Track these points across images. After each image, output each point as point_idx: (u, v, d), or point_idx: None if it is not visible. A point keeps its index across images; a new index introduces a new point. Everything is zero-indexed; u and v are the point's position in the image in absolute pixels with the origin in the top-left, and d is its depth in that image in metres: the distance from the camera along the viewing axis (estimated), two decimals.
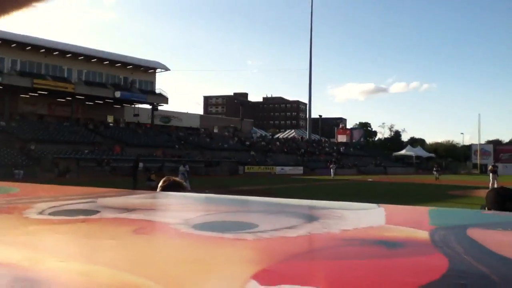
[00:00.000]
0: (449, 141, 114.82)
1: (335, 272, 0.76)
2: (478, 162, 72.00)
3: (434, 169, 44.53)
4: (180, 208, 1.57)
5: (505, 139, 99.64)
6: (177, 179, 3.42)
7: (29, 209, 1.34)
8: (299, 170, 52.89)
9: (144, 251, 0.91)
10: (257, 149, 58.43)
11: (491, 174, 26.04)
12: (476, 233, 1.06)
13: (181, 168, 22.48)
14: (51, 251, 0.90)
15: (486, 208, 2.60)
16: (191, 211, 1.46)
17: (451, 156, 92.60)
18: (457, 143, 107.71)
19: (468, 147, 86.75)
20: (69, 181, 28.98)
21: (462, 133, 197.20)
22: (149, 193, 2.06)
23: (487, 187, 21.65)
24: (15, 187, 2.06)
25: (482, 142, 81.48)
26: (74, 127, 46.84)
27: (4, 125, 40.78)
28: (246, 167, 48.36)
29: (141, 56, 63.83)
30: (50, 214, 1.28)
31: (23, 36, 45.87)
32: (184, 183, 3.47)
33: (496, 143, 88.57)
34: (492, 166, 27.18)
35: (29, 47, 45.75)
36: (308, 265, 0.82)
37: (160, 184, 3.21)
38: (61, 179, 32.36)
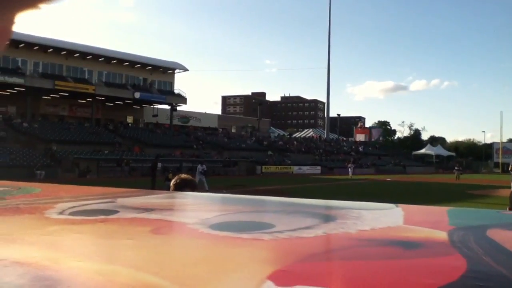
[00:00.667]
0: (470, 139, 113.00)
1: (351, 273, 0.76)
2: (500, 160, 70.71)
3: (456, 168, 43.67)
4: (197, 208, 1.58)
5: None
6: (187, 176, 3.51)
7: (50, 209, 1.36)
8: (317, 169, 52.64)
9: (161, 251, 0.92)
10: (275, 148, 58.39)
11: (511, 173, 25.47)
12: (496, 234, 1.05)
13: (199, 167, 22.62)
14: (70, 250, 0.92)
15: (508, 208, 2.56)
16: (208, 211, 1.47)
17: (472, 154, 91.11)
18: (478, 142, 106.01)
19: (490, 146, 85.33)
20: (89, 181, 29.41)
21: (483, 131, 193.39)
22: (167, 193, 2.08)
23: (509, 187, 21.23)
24: (37, 188, 2.10)
25: (504, 140, 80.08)
26: (94, 128, 47.49)
27: (26, 126, 41.57)
28: (263, 167, 48.34)
29: (159, 56, 64.43)
30: (70, 214, 1.30)
31: (45, 38, 46.66)
32: (195, 180, 3.54)
33: None
34: None
35: (51, 50, 46.54)
36: (324, 266, 0.81)
37: (172, 183, 3.31)
38: (81, 179, 32.84)
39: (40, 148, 38.11)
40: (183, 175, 3.51)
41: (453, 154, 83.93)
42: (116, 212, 1.35)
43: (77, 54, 48.59)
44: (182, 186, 3.22)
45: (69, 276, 0.73)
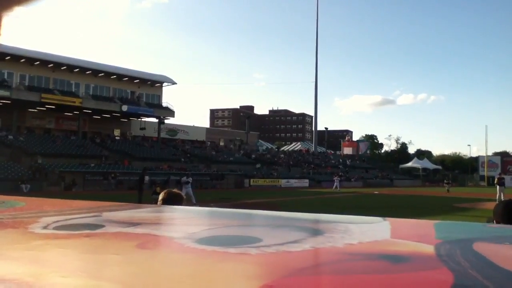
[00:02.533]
0: (456, 153, 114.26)
1: (339, 287, 0.75)
2: (486, 174, 71.47)
3: (445, 181, 44.11)
4: (184, 222, 1.57)
5: None
6: (176, 191, 3.50)
7: (34, 224, 1.34)
8: (305, 183, 52.69)
9: (147, 266, 0.90)
10: (263, 162, 58.39)
11: (497, 186, 25.76)
12: (482, 247, 1.05)
13: (184, 179, 22.40)
14: (54, 266, 0.90)
15: (494, 222, 2.58)
16: (195, 225, 1.46)
17: (458, 168, 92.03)
18: (464, 155, 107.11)
19: (475, 159, 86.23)
20: (75, 195, 29.05)
21: (469, 145, 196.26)
22: (154, 207, 2.06)
23: (495, 200, 21.45)
24: (22, 202, 2.07)
25: (490, 154, 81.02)
26: (81, 141, 47.09)
27: (12, 139, 41.08)
28: (251, 180, 48.26)
29: (148, 70, 64.43)
30: (54, 228, 1.28)
31: (31, 51, 46.40)
32: (182, 194, 3.52)
33: (504, 154, 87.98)
34: (498, 177, 26.90)
35: (38, 62, 46.26)
36: (312, 280, 0.81)
37: (160, 197, 3.28)
38: (67, 192, 32.43)
39: (26, 161, 37.64)
40: (172, 190, 3.50)
41: (439, 167, 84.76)
42: (102, 226, 1.33)
43: (64, 67, 48.37)
44: (171, 200, 3.22)
45: None
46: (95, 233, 1.22)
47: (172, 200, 3.24)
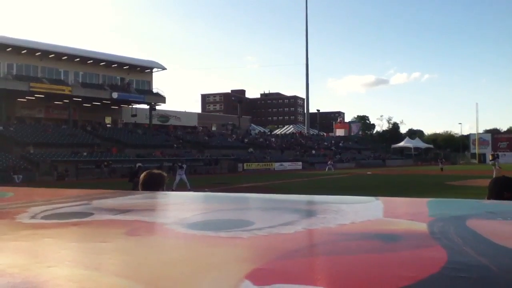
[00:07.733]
0: (447, 131, 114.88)
1: (331, 268, 0.74)
2: (477, 151, 72.13)
3: (439, 160, 45.58)
4: (176, 208, 1.55)
5: (503, 127, 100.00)
6: (156, 171, 3.44)
7: (22, 214, 1.32)
8: (298, 165, 52.92)
9: (136, 253, 0.89)
10: (256, 145, 58.45)
11: (492, 162, 26.37)
12: (475, 224, 1.05)
13: (178, 165, 22.60)
14: (40, 256, 0.88)
15: (486, 197, 2.59)
16: (187, 211, 1.44)
17: (449, 146, 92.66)
18: (456, 134, 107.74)
19: (467, 137, 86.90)
20: (67, 184, 28.95)
21: (460, 123, 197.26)
22: (145, 193, 2.04)
23: (488, 176, 21.69)
24: (10, 192, 2.04)
25: (480, 131, 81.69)
26: (72, 129, 46.76)
27: (1, 129, 40.70)
28: (245, 164, 48.34)
29: (137, 56, 63.74)
30: (42, 218, 1.26)
31: (18, 40, 45.71)
32: (163, 173, 3.43)
33: (494, 132, 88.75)
34: (492, 154, 27.41)
35: (25, 51, 45.59)
36: (304, 262, 0.80)
37: (141, 181, 3.25)
38: (60, 182, 32.32)
39: (17, 151, 37.38)
40: (152, 171, 3.43)
41: (431, 146, 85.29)
42: (91, 214, 1.31)
43: (52, 55, 47.72)
44: (152, 181, 3.19)
45: (38, 283, 0.70)
46: (83, 221, 1.20)
47: (153, 180, 3.19)
